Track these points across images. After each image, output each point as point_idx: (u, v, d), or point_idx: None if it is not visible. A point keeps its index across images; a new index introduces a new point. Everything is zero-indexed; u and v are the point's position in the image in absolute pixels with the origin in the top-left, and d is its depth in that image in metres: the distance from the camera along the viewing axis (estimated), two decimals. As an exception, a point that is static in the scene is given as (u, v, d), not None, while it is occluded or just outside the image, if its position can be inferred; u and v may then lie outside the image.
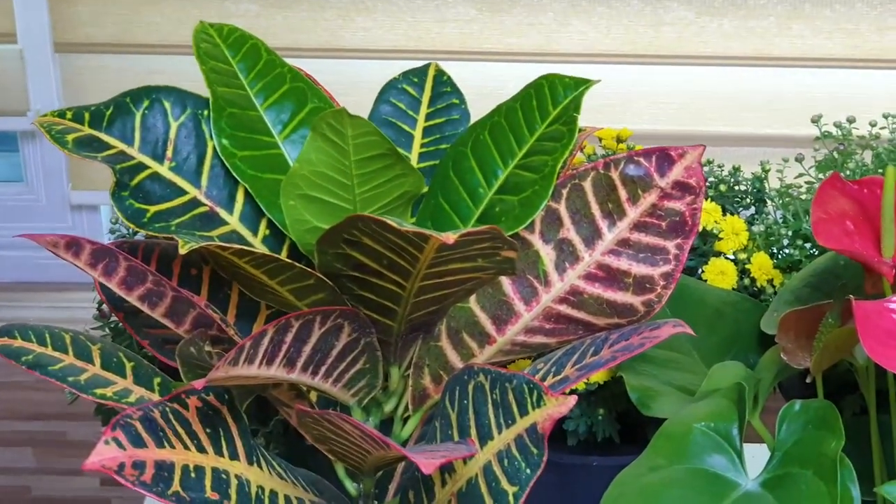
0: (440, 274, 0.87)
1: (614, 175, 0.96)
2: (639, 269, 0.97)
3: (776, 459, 0.97)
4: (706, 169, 1.31)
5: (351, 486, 0.99)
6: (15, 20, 2.13)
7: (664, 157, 0.95)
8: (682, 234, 0.96)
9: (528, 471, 0.86)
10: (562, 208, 0.97)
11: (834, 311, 0.99)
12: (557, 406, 0.85)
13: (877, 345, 0.89)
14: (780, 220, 1.25)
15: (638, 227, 0.97)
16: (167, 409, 0.87)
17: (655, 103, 2.11)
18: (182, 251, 0.83)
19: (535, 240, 0.97)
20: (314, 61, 1.95)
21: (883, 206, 0.95)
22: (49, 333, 0.97)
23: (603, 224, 0.97)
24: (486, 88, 1.92)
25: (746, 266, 1.20)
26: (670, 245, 0.97)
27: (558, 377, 0.93)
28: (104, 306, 1.23)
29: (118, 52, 2.15)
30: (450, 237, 0.78)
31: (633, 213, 0.97)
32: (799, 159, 1.29)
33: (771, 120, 2.10)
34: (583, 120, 0.98)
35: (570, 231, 0.97)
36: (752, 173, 1.32)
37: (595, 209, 0.97)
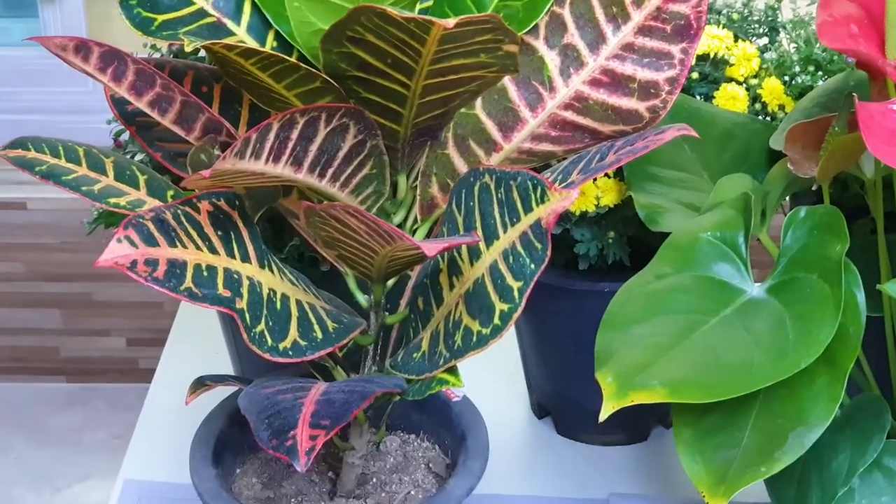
0: (443, 71, 0.87)
1: (619, -23, 0.96)
2: (643, 73, 0.97)
3: (781, 266, 0.98)
4: (719, 1, 1.31)
5: (362, 298, 1.00)
6: None
7: (668, -42, 0.95)
8: (686, 38, 0.97)
9: (533, 266, 0.88)
10: (566, 13, 0.97)
11: (840, 120, 0.99)
12: (561, 200, 0.86)
13: (880, 143, 0.90)
14: (793, 49, 1.25)
15: (642, 31, 0.97)
16: (179, 211, 0.89)
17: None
18: (188, 48, 0.84)
19: (540, 45, 0.98)
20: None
21: (888, 8, 0.95)
22: (62, 146, 0.99)
23: (607, 28, 0.97)
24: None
25: (758, 92, 1.20)
26: (675, 49, 0.97)
27: (565, 183, 0.94)
28: (121, 136, 1.24)
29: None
30: (449, 23, 0.78)
31: (637, 17, 0.97)
32: (811, -15, 1.28)
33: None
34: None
35: (574, 36, 0.97)
36: (766, 3, 1.31)
37: (599, 13, 0.97)
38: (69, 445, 2.26)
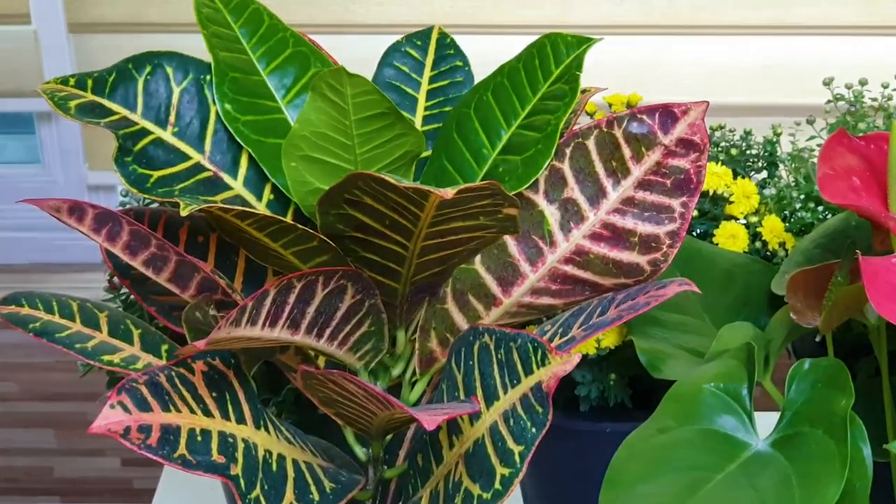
0: (442, 233, 0.87)
1: (618, 133, 0.95)
2: (644, 227, 0.96)
3: (786, 419, 0.96)
4: (718, 134, 1.31)
5: (360, 452, 0.99)
6: (29, 1, 2.13)
7: (667, 114, 0.95)
8: (687, 192, 0.96)
9: (534, 430, 0.86)
10: (565, 168, 0.97)
11: (843, 269, 0.98)
12: (562, 364, 0.84)
13: (884, 300, 0.89)
14: (792, 184, 1.25)
15: (642, 185, 0.96)
16: (173, 373, 0.87)
17: (669, 75, 2.09)
18: (183, 213, 0.83)
19: (540, 200, 0.97)
20: (327, 37, 1.94)
21: (889, 161, 0.94)
22: (56, 301, 0.97)
23: (607, 183, 0.97)
24: (499, 61, 1.91)
25: (758, 229, 1.20)
26: (675, 203, 0.96)
27: (565, 338, 0.93)
28: (115, 279, 1.23)
29: (132, 31, 2.14)
30: (448, 192, 0.77)
31: (637, 172, 0.96)
32: (810, 121, 1.28)
33: (786, 89, 2.08)
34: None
35: (574, 190, 0.97)
36: (764, 137, 1.31)
37: (599, 168, 0.96)
38: (62, 570, 2.23)
